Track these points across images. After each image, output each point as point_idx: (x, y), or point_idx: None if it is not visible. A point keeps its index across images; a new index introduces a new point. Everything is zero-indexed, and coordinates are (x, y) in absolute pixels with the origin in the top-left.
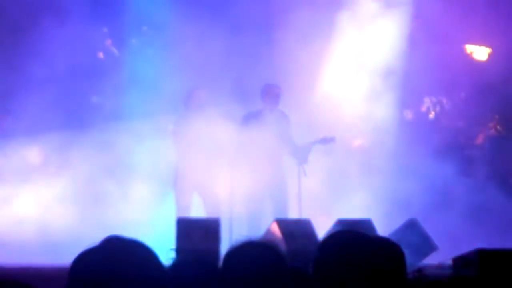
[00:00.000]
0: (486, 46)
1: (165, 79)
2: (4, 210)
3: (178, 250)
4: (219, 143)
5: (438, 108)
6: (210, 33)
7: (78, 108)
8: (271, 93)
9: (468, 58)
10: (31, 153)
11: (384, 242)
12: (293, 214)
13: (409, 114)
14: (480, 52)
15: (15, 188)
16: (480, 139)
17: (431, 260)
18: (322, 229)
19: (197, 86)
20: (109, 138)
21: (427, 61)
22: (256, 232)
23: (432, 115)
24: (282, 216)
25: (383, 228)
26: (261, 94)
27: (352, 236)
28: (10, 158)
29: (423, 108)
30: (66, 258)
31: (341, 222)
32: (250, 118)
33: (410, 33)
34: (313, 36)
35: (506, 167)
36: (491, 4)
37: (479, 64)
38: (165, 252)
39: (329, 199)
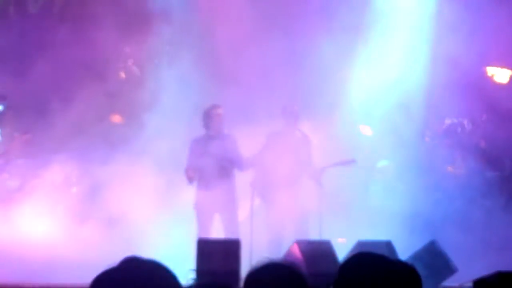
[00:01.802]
0: (508, 68)
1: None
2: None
3: (198, 271)
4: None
5: (459, 129)
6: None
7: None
8: (288, 112)
9: (490, 81)
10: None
11: (402, 266)
12: (314, 235)
13: (429, 135)
14: (501, 75)
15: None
16: (501, 162)
17: (452, 282)
18: (342, 250)
19: (217, 105)
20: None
21: (449, 82)
22: (277, 254)
23: (454, 134)
24: (302, 237)
25: (403, 249)
26: (281, 114)
27: (372, 259)
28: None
29: (444, 127)
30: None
31: (360, 244)
32: (270, 138)
33: (433, 51)
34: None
35: None
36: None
37: (500, 86)
38: (185, 273)
39: (350, 221)
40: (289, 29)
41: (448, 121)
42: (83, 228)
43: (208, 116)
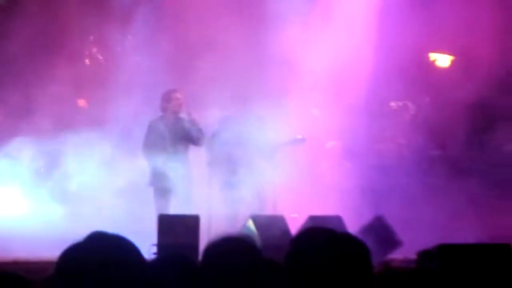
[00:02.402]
0: (449, 54)
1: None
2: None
3: (160, 245)
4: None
5: (404, 111)
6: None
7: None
8: (240, 97)
9: (432, 65)
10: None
11: (351, 240)
12: (268, 211)
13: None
14: (442, 60)
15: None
16: (442, 142)
17: (398, 254)
18: (295, 225)
19: (175, 89)
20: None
21: (394, 67)
22: (233, 229)
23: (399, 115)
24: (257, 212)
25: (352, 223)
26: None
27: (322, 233)
28: None
29: (390, 109)
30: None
31: (312, 219)
32: (223, 122)
33: (378, 38)
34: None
35: (468, 165)
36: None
37: (441, 70)
38: (147, 247)
39: (302, 197)
40: (247, 20)
41: (393, 104)
42: (47, 204)
43: (167, 100)
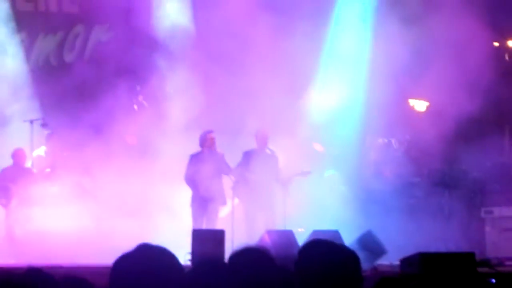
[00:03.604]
0: (425, 100)
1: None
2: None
3: (193, 253)
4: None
5: (389, 146)
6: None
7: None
8: (260, 136)
9: (411, 109)
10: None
11: (346, 250)
12: (280, 226)
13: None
14: (420, 105)
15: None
16: (420, 171)
17: (383, 261)
18: (301, 237)
19: (211, 131)
20: None
21: (381, 108)
22: (252, 241)
23: (385, 150)
24: (271, 228)
25: (348, 235)
26: (255, 137)
27: (323, 244)
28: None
29: (377, 145)
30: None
31: (315, 233)
32: (246, 156)
33: (368, 86)
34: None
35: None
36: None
37: (419, 113)
38: (183, 255)
39: (307, 215)
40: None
41: (380, 140)
42: (108, 220)
43: (204, 139)
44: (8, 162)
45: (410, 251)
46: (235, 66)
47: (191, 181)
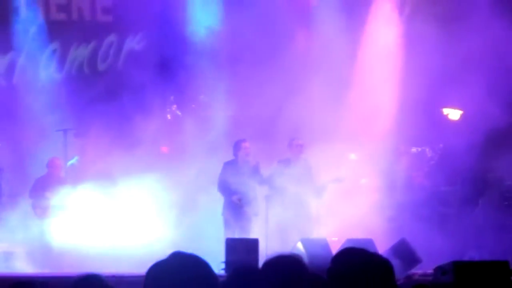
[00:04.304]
0: (459, 109)
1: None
2: None
3: (227, 262)
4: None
5: (423, 154)
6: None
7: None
8: (294, 145)
9: (445, 118)
10: None
11: (379, 258)
12: (314, 235)
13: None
14: (454, 114)
15: None
16: (454, 179)
17: (417, 270)
18: (335, 246)
19: (245, 140)
20: None
21: (415, 118)
22: (286, 250)
23: (420, 158)
24: (305, 236)
25: (382, 244)
26: (288, 146)
27: (357, 253)
28: None
29: (411, 153)
30: None
31: (349, 241)
32: (280, 165)
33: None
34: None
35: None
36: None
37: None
38: (217, 264)
39: (341, 224)
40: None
41: (414, 149)
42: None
43: (238, 147)
44: (43, 171)
45: (443, 259)
46: (269, 72)
47: (224, 189)
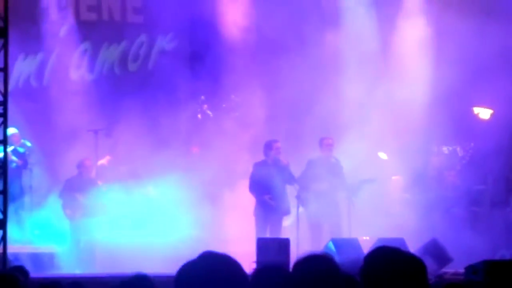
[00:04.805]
0: (489, 108)
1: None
2: None
3: (258, 262)
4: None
5: (454, 154)
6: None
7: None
8: (325, 145)
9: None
10: None
11: (411, 257)
12: (345, 235)
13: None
14: (484, 113)
15: None
16: (485, 178)
17: (449, 269)
18: (366, 245)
19: (277, 140)
20: None
21: (443, 116)
22: (317, 249)
23: (450, 158)
24: (336, 236)
25: (413, 243)
26: (319, 145)
27: (388, 251)
28: None
29: (443, 152)
30: None
31: (380, 241)
32: (310, 164)
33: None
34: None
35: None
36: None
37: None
38: (248, 264)
39: (372, 223)
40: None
41: (444, 148)
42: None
43: (269, 147)
44: (73, 172)
45: (475, 258)
46: (300, 70)
47: (256, 189)
